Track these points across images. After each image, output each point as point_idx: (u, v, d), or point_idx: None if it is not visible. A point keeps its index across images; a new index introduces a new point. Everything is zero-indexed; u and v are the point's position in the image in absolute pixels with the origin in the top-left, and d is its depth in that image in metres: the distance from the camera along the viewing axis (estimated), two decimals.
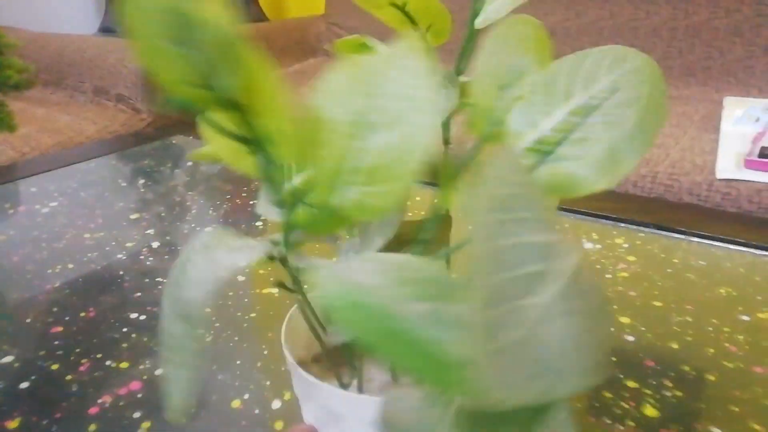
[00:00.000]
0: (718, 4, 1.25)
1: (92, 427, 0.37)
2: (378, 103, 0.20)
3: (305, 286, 0.27)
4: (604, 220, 0.64)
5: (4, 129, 0.48)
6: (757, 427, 0.36)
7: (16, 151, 0.99)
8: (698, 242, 0.58)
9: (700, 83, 1.29)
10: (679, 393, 0.38)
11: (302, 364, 0.28)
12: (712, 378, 0.40)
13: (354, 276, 0.17)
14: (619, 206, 0.67)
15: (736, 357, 0.42)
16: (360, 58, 0.21)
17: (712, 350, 0.43)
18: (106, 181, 0.78)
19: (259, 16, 1.97)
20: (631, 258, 0.56)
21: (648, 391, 0.39)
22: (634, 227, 0.62)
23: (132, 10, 0.17)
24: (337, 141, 0.21)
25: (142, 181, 0.78)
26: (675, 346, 0.43)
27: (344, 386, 0.29)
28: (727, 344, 0.43)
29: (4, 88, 0.48)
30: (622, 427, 0.36)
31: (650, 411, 0.37)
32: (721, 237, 0.58)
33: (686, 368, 0.41)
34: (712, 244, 0.58)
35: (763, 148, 0.88)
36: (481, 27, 0.27)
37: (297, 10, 2.16)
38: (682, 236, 0.59)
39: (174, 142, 0.94)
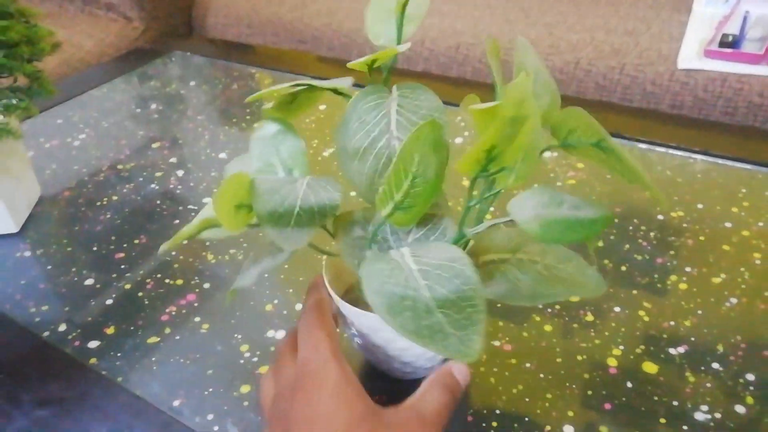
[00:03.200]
0: None
1: (167, 329, 0.51)
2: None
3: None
4: None
5: (45, 95, 0.56)
6: (647, 305, 0.49)
7: None
8: (638, 147, 0.69)
9: None
10: None
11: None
12: (623, 268, 0.53)
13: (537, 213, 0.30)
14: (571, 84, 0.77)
15: (645, 251, 0.55)
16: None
17: (627, 246, 0.55)
18: (122, 107, 0.87)
19: None
20: (580, 165, 0.67)
21: None
22: None
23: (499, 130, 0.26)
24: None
25: (154, 106, 0.86)
26: (601, 244, 0.56)
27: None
28: (640, 241, 0.56)
29: (40, 57, 0.56)
30: (558, 307, 0.49)
31: (574, 297, 0.51)
32: (658, 142, 0.68)
33: (606, 262, 0.54)
34: (650, 149, 0.68)
35: (723, 35, 0.94)
36: None
37: None
38: (627, 142, 0.70)
39: (173, 59, 1.00)
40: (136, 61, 1.00)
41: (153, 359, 0.48)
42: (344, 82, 0.38)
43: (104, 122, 0.83)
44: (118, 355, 0.49)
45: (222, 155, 0.74)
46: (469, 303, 0.29)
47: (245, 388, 0.45)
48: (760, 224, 0.57)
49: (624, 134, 0.71)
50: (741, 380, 0.43)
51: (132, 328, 0.51)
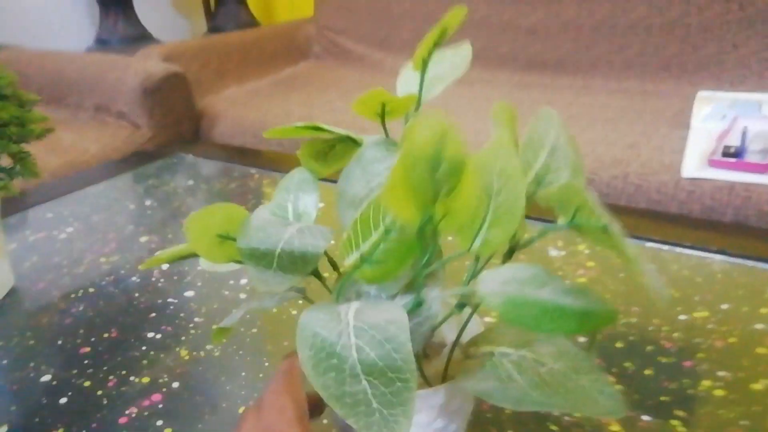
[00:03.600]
0: (689, 2, 1.30)
1: None
2: (493, 181, 0.26)
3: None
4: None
5: (28, 176, 0.54)
6: (680, 413, 0.43)
7: None
8: (651, 246, 0.65)
9: (674, 78, 1.34)
10: (618, 386, 0.45)
11: None
12: (647, 372, 0.47)
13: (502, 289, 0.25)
14: None
15: (670, 353, 0.49)
16: (481, 156, 0.27)
17: (649, 348, 0.49)
18: (115, 204, 0.85)
19: (250, 21, 2.02)
20: (590, 264, 0.62)
21: None
22: None
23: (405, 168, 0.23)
24: (478, 210, 0.27)
25: (148, 203, 0.84)
26: (619, 345, 0.50)
27: None
28: (663, 342, 0.50)
29: (29, 140, 0.54)
30: (577, 415, 0.42)
31: None
32: (671, 241, 0.65)
33: (627, 365, 0.48)
34: (662, 248, 0.64)
35: (725, 147, 0.94)
36: None
37: (286, 13, 2.21)
38: (637, 241, 0.66)
39: (175, 161, 1.00)
40: (138, 162, 1.00)
41: None
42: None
43: (95, 217, 0.81)
44: None
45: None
46: (398, 375, 0.24)
47: None
48: None
49: (634, 233, 0.67)
50: None
51: (83, 431, 0.44)
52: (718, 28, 1.28)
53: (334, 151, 0.41)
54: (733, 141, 0.96)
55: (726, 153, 0.93)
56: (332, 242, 0.31)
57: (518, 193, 0.26)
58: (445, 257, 0.31)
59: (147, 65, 1.24)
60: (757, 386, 0.45)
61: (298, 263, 0.32)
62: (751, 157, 0.91)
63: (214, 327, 0.36)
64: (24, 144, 0.55)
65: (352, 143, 0.39)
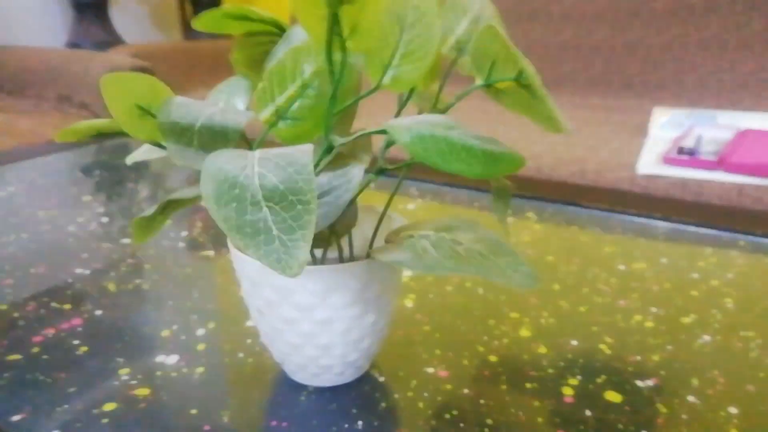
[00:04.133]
0: (650, 24, 1.36)
1: (35, 348, 0.42)
2: (407, 13, 0.26)
3: None
4: (518, 199, 0.71)
5: None
6: (609, 340, 0.42)
7: None
8: (596, 214, 0.65)
9: (637, 95, 1.38)
10: (552, 320, 0.45)
11: None
12: (582, 309, 0.46)
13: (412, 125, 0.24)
14: (529, 189, 0.75)
15: (606, 294, 0.48)
16: None
17: (586, 289, 0.49)
18: (63, 172, 0.83)
19: (226, 34, 2.05)
20: (537, 227, 0.62)
21: (526, 319, 0.45)
22: (545, 204, 0.69)
23: None
24: (389, 38, 0.26)
25: (97, 172, 0.83)
26: (556, 287, 0.49)
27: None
28: (600, 285, 0.50)
29: None
30: (505, 340, 0.41)
31: (524, 332, 0.43)
32: (611, 208, 0.65)
33: (562, 303, 0.47)
34: (608, 215, 0.65)
35: (680, 147, 0.96)
36: None
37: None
38: (584, 210, 0.66)
39: (128, 141, 0.99)
40: (92, 143, 0.99)
41: (4, 375, 0.39)
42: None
43: (40, 180, 0.79)
44: None
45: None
46: (299, 198, 0.24)
47: (109, 406, 0.36)
48: (729, 275, 0.51)
49: (584, 204, 0.68)
50: (722, 413, 0.35)
51: None
52: (676, 48, 1.33)
53: (267, 58, 0.41)
54: (688, 143, 0.98)
55: (680, 152, 0.95)
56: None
57: (432, 31, 0.26)
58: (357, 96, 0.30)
59: (114, 58, 1.24)
60: (686, 319, 0.44)
61: (218, 139, 0.32)
62: (703, 156, 0.93)
63: (135, 219, 0.35)
64: None
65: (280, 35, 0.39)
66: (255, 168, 0.26)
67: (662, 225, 0.62)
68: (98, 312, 0.47)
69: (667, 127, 1.12)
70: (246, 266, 0.33)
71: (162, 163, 0.88)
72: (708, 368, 0.39)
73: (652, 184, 0.93)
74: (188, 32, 2.04)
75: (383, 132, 0.26)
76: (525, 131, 1.18)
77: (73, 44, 1.72)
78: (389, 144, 0.30)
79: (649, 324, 0.44)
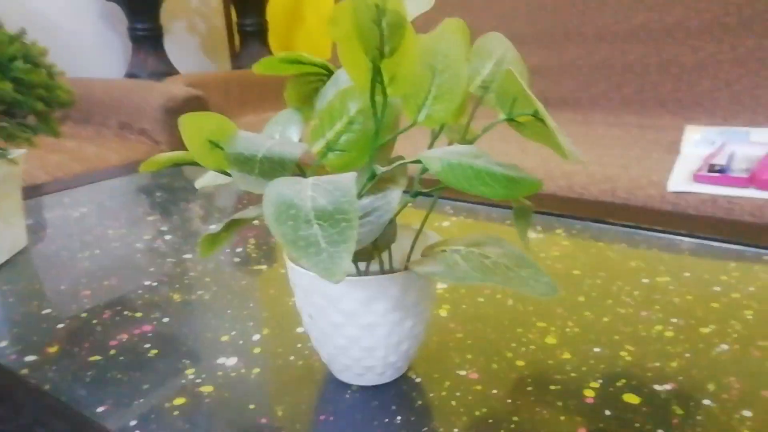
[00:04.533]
0: (684, 43, 1.37)
1: (112, 351, 0.48)
2: (437, 61, 0.31)
3: None
4: (547, 216, 0.74)
5: (50, 134, 0.60)
6: (630, 348, 0.45)
7: (49, 175, 1.13)
8: (622, 231, 0.68)
9: (671, 113, 1.40)
10: (576, 329, 0.48)
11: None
12: (606, 319, 0.49)
13: (443, 156, 0.29)
14: (560, 207, 0.78)
15: (629, 305, 0.51)
16: (426, 38, 0.32)
17: (610, 301, 0.52)
18: (128, 194, 0.91)
19: None
20: (565, 242, 0.66)
21: (552, 328, 0.48)
22: (573, 222, 0.72)
23: (355, 13, 0.28)
24: (422, 83, 0.32)
25: (159, 194, 0.90)
26: (581, 299, 0.53)
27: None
28: (624, 297, 0.53)
29: (54, 105, 0.61)
30: (532, 347, 0.45)
31: (550, 340, 0.47)
32: (638, 225, 0.68)
33: (587, 313, 0.50)
34: (633, 232, 0.68)
35: (711, 165, 0.98)
36: None
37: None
38: (611, 227, 0.69)
39: (188, 168, 1.07)
40: None
41: (88, 373, 0.45)
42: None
43: (108, 202, 0.86)
44: (53, 368, 0.45)
45: (213, 226, 0.75)
46: (344, 216, 0.28)
47: (179, 401, 0.41)
48: (751, 289, 0.54)
49: (610, 221, 0.71)
50: (737, 416, 0.37)
51: (76, 348, 0.48)
52: (711, 66, 1.34)
53: (318, 94, 0.46)
54: (720, 161, 1.00)
55: (711, 169, 0.96)
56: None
57: (460, 75, 0.31)
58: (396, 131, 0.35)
59: (171, 87, 1.34)
60: (706, 330, 0.47)
61: (276, 168, 0.37)
62: (734, 174, 0.94)
63: (203, 236, 0.40)
64: (47, 108, 0.61)
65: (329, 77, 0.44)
66: (308, 192, 0.31)
67: (687, 241, 0.65)
68: (165, 319, 0.53)
69: (699, 144, 1.13)
70: (299, 276, 0.38)
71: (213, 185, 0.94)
72: (724, 375, 0.42)
73: (683, 201, 0.94)
74: (237, 60, 2.15)
75: (418, 161, 0.31)
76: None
77: (132, 74, 1.84)
78: (423, 171, 0.35)
79: (669, 333, 0.47)
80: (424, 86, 0.31)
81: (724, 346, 0.45)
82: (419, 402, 0.40)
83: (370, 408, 0.39)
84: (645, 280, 0.56)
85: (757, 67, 1.29)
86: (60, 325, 0.52)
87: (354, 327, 0.38)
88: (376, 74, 0.29)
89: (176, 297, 0.56)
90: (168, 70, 1.87)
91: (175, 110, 1.32)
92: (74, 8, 1.87)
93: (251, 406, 0.40)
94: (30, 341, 0.49)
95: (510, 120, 0.34)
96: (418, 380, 0.42)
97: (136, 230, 0.75)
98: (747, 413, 0.38)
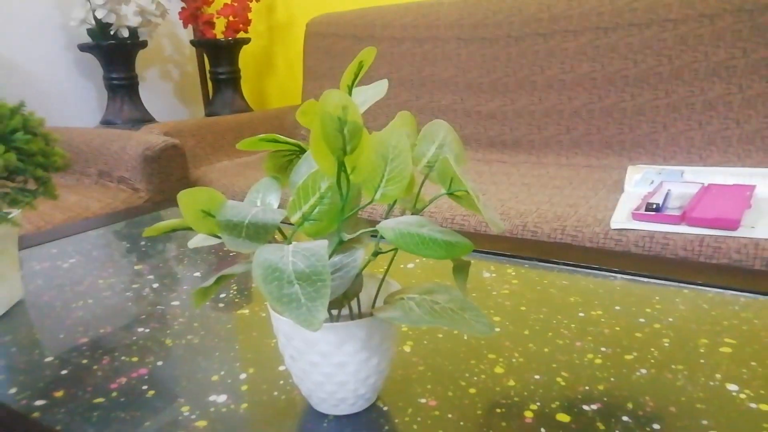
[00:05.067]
0: (624, 90, 1.51)
1: (114, 393, 0.53)
2: (389, 151, 0.39)
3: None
4: (501, 257, 0.83)
5: (49, 196, 0.66)
6: (565, 374, 0.53)
7: (32, 225, 1.17)
8: (564, 269, 0.77)
9: (615, 154, 1.52)
10: (521, 359, 0.56)
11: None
12: (546, 350, 0.58)
13: (395, 226, 0.37)
14: (515, 246, 0.87)
15: (566, 336, 0.60)
16: (380, 134, 0.40)
17: (550, 333, 0.60)
18: (113, 243, 0.97)
19: (244, 108, 2.23)
20: (515, 281, 0.74)
21: (501, 359, 0.56)
22: (523, 261, 0.81)
23: (322, 124, 0.36)
24: (377, 170, 0.39)
25: (143, 242, 0.96)
26: (526, 332, 0.61)
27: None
28: (562, 330, 0.61)
29: (51, 170, 0.67)
30: (483, 376, 0.53)
31: (498, 369, 0.54)
32: (581, 264, 0.77)
33: (530, 345, 0.59)
34: (574, 270, 0.77)
35: (648, 204, 1.08)
36: None
37: (277, 101, 2.43)
38: (555, 266, 0.78)
39: (168, 213, 1.13)
40: (136, 214, 1.12)
41: (94, 414, 0.50)
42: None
43: (95, 252, 0.92)
44: (61, 410, 0.51)
45: (196, 274, 0.82)
46: (319, 277, 0.36)
47: None
48: (670, 319, 0.63)
49: (557, 260, 0.80)
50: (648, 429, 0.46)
51: (80, 392, 0.54)
52: (649, 111, 1.48)
53: (291, 164, 0.54)
54: (656, 199, 1.11)
55: (648, 208, 1.07)
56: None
57: (406, 162, 0.39)
58: (358, 206, 0.43)
59: (148, 137, 1.40)
60: (629, 357, 0.56)
61: (260, 231, 0.44)
62: (668, 212, 1.05)
63: (196, 289, 0.47)
64: (46, 174, 0.68)
65: (303, 153, 0.52)
66: (290, 258, 0.38)
67: (620, 277, 0.74)
68: (159, 363, 0.59)
69: (639, 183, 1.25)
70: (282, 324, 0.45)
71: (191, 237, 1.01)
72: (641, 394, 0.50)
73: (624, 237, 1.04)
74: (210, 107, 2.23)
75: (375, 231, 0.39)
76: (515, 192, 1.31)
77: (108, 122, 1.90)
78: (381, 237, 0.43)
79: (599, 361, 0.55)
80: (378, 172, 0.39)
81: (643, 371, 0.53)
82: (386, 427, 0.47)
83: None
84: (581, 314, 0.64)
85: (689, 112, 1.43)
86: (63, 372, 0.57)
87: (328, 365, 0.45)
88: (341, 166, 0.38)
89: (168, 342, 0.63)
90: (143, 117, 1.93)
91: (153, 158, 1.38)
92: (50, 58, 1.93)
93: None
94: (36, 387, 0.55)
95: (449, 194, 0.42)
96: (385, 408, 0.49)
97: (124, 279, 0.81)
98: (656, 426, 0.46)
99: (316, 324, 0.35)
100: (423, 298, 0.43)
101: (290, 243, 0.45)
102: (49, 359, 0.60)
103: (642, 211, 1.06)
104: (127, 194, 1.37)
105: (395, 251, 0.45)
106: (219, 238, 0.48)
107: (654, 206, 1.08)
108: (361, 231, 0.41)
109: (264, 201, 0.52)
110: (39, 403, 0.52)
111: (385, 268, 0.48)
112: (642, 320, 0.63)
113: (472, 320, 0.42)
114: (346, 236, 0.41)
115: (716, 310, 0.64)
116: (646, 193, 1.18)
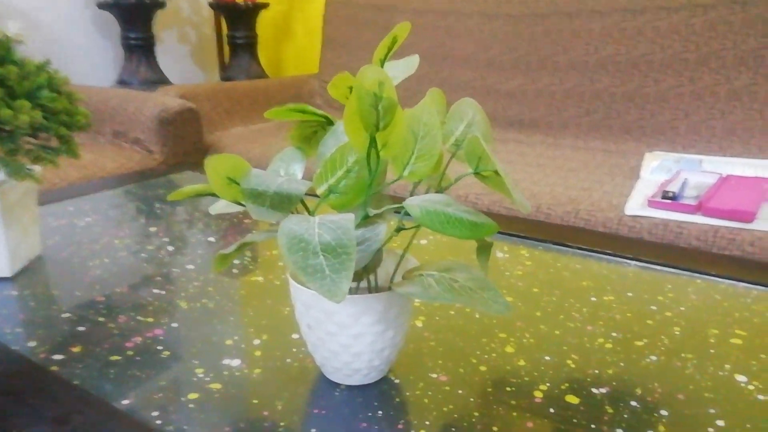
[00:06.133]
0: (647, 75, 1.48)
1: (129, 352, 0.55)
2: (419, 129, 0.39)
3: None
4: (514, 238, 0.83)
5: (72, 155, 0.67)
6: (575, 357, 0.54)
7: (48, 181, 1.18)
8: (578, 252, 0.77)
9: (634, 140, 1.50)
10: (532, 340, 0.56)
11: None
12: (557, 332, 0.58)
13: (421, 204, 0.37)
14: (528, 228, 0.87)
15: (577, 320, 0.60)
16: (411, 111, 0.40)
17: (562, 316, 0.61)
18: (129, 203, 0.97)
19: (260, 74, 2.22)
20: (528, 263, 0.74)
21: (512, 339, 0.57)
22: (536, 243, 0.81)
23: (358, 99, 0.36)
24: (407, 146, 0.39)
25: (158, 204, 0.97)
26: (538, 314, 0.61)
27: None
28: (574, 313, 0.61)
29: (74, 129, 0.67)
30: (493, 355, 0.53)
31: (509, 348, 0.55)
32: (593, 249, 0.77)
33: (542, 327, 0.59)
34: (587, 254, 0.77)
35: (664, 192, 1.08)
36: None
37: (293, 69, 2.41)
38: (568, 249, 0.78)
39: (183, 176, 1.14)
40: (151, 176, 1.13)
41: (111, 371, 0.52)
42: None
43: (111, 212, 0.93)
44: (79, 365, 0.52)
45: (210, 239, 0.82)
46: (344, 250, 0.36)
47: (193, 396, 0.48)
48: (682, 308, 0.63)
49: (568, 243, 0.80)
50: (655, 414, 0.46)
51: (97, 349, 0.55)
52: (672, 98, 1.45)
53: (316, 136, 0.54)
54: (673, 188, 1.10)
55: (665, 196, 1.06)
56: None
57: (436, 140, 0.39)
58: (386, 182, 0.43)
59: (165, 99, 1.40)
60: (640, 343, 0.56)
61: (284, 202, 0.44)
62: (685, 201, 1.05)
63: (217, 254, 0.48)
64: (69, 132, 0.68)
65: (330, 125, 0.52)
66: (315, 229, 0.39)
67: (633, 264, 0.74)
68: (174, 324, 0.60)
69: (657, 171, 1.24)
70: (301, 293, 0.46)
71: (207, 200, 1.01)
72: (650, 381, 0.50)
73: (638, 224, 1.04)
74: (226, 71, 2.21)
75: (401, 208, 0.39)
76: (529, 172, 1.31)
77: (123, 82, 1.89)
78: (406, 214, 0.43)
79: (609, 345, 0.56)
80: (408, 149, 0.39)
81: (653, 357, 0.54)
82: (397, 399, 0.48)
83: (356, 404, 0.47)
84: (593, 299, 0.65)
85: (713, 101, 1.41)
86: (80, 328, 0.58)
87: (345, 336, 0.45)
88: (372, 141, 0.37)
89: (182, 304, 0.64)
90: (159, 79, 1.93)
91: (168, 121, 1.38)
92: (69, 16, 1.92)
93: (254, 401, 0.48)
94: (55, 342, 0.56)
95: (476, 173, 0.42)
96: (396, 381, 0.50)
97: (139, 240, 0.81)
98: (664, 412, 0.46)
99: (339, 295, 0.35)
100: (442, 276, 0.43)
101: (313, 215, 0.45)
102: (66, 315, 0.61)
103: (658, 199, 1.06)
104: (142, 156, 1.37)
105: (416, 228, 0.46)
106: (242, 205, 0.49)
107: (670, 194, 1.07)
108: (387, 207, 0.42)
109: (288, 171, 0.52)
110: (57, 357, 0.54)
111: (405, 244, 0.48)
112: (654, 308, 0.63)
113: (490, 300, 0.42)
114: (372, 211, 0.41)
115: (728, 302, 0.64)
116: (662, 180, 1.17)
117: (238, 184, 0.46)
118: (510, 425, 0.45)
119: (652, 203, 1.06)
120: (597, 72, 1.55)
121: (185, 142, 1.44)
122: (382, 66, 0.48)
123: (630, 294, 0.66)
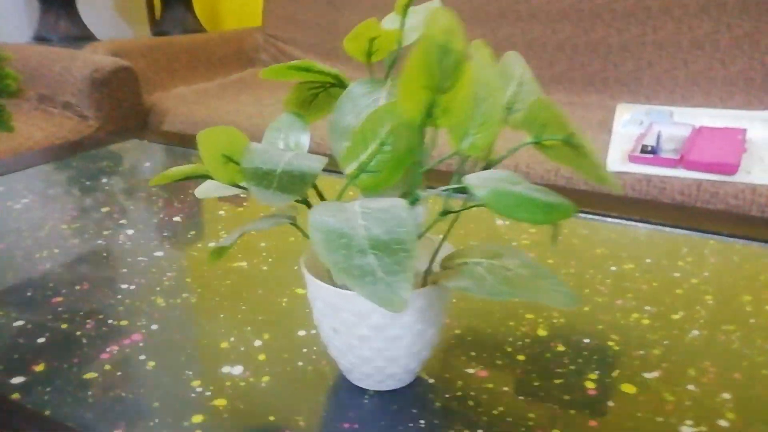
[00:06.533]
0: (611, 25, 1.44)
1: (106, 366, 0.46)
2: (480, 89, 0.31)
3: None
4: None
5: (3, 129, 0.55)
6: (615, 337, 0.49)
7: None
8: (584, 217, 0.73)
9: (598, 92, 1.48)
10: (562, 320, 0.52)
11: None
12: (586, 309, 0.53)
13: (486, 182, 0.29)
14: None
15: (604, 294, 0.56)
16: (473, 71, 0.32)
17: (587, 290, 0.56)
18: (70, 180, 0.85)
19: (197, 28, 2.03)
20: (532, 230, 0.69)
21: (540, 320, 0.52)
22: None
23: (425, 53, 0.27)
24: (468, 113, 0.31)
25: (105, 180, 0.85)
26: None
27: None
28: (598, 286, 0.57)
29: (3, 95, 0.55)
30: (527, 341, 0.48)
31: (541, 332, 0.50)
32: (599, 212, 0.73)
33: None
34: (593, 219, 0.72)
35: (643, 145, 1.05)
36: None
37: (234, 22, 2.23)
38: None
39: (128, 145, 1.01)
40: (90, 146, 0.99)
41: (88, 393, 0.43)
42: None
43: (50, 191, 0.80)
44: (47, 389, 0.43)
45: (176, 219, 0.72)
46: (401, 246, 0.29)
47: (197, 419, 0.40)
48: (706, 274, 0.60)
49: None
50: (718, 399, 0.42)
51: (65, 365, 0.46)
52: (635, 48, 1.43)
53: (317, 100, 0.46)
54: (650, 141, 1.08)
55: (644, 150, 1.04)
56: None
57: (497, 105, 0.32)
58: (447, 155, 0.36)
59: (95, 57, 1.24)
60: (676, 316, 0.52)
61: (296, 183, 0.36)
62: (665, 154, 1.02)
63: (212, 245, 0.39)
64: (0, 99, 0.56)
65: (337, 89, 0.44)
66: (359, 221, 0.31)
67: (641, 226, 0.70)
68: (154, 326, 0.51)
69: (629, 124, 1.21)
70: (325, 292, 0.38)
71: (174, 156, 0.90)
72: (700, 360, 0.47)
73: (621, 180, 1.01)
74: (157, 26, 2.01)
75: (463, 188, 0.32)
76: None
77: (41, 38, 1.67)
78: (455, 191, 0.36)
79: (646, 321, 0.51)
80: (469, 116, 0.31)
81: (695, 332, 0.50)
82: (437, 404, 0.42)
83: (391, 412, 0.41)
84: (613, 268, 0.60)
85: (675, 50, 1.39)
86: (40, 340, 0.49)
87: (380, 340, 0.39)
88: (431, 107, 0.30)
89: (159, 301, 0.54)
90: (82, 34, 1.72)
91: (102, 82, 1.23)
92: None
93: (271, 418, 0.41)
94: (11, 359, 0.46)
95: (537, 143, 0.35)
96: (431, 382, 0.44)
97: (92, 224, 0.70)
98: (726, 396, 0.43)
99: (398, 304, 0.28)
100: (491, 264, 0.37)
101: (340, 199, 0.37)
102: (19, 323, 0.51)
103: (638, 153, 1.03)
104: (74, 122, 1.22)
105: (460, 211, 0.39)
106: (240, 188, 0.40)
107: (649, 148, 1.05)
108: (444, 188, 0.34)
109: (289, 143, 0.43)
110: (17, 380, 0.44)
111: (445, 232, 0.41)
112: (677, 275, 0.59)
113: (552, 291, 0.36)
114: (423, 194, 0.34)
115: (747, 263, 0.62)
116: (637, 134, 1.15)
117: (235, 162, 0.38)
118: (572, 427, 0.40)
119: (632, 158, 1.03)
120: (559, 22, 1.50)
121: (122, 105, 1.29)
122: (405, 12, 0.40)
123: (649, 260, 0.62)
